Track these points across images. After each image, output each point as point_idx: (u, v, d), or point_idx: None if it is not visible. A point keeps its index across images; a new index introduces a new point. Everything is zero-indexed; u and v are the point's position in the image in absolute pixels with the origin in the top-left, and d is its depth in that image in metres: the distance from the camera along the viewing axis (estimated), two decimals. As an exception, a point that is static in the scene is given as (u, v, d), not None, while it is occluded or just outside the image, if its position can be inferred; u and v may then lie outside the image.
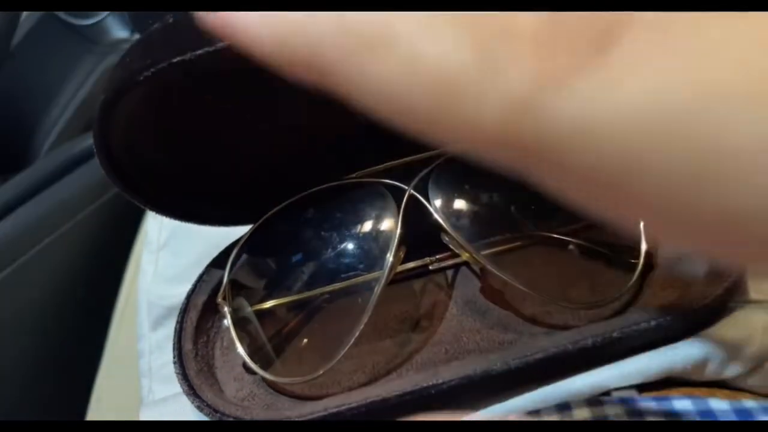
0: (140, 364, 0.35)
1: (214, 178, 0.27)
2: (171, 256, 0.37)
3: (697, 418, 0.17)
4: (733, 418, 0.16)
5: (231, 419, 0.22)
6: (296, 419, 0.21)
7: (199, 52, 0.20)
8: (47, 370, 0.45)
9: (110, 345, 0.40)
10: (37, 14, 0.64)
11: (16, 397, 0.43)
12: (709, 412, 0.17)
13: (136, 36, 0.67)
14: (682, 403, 0.17)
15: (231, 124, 0.25)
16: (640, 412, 0.17)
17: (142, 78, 0.20)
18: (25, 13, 0.60)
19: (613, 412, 0.18)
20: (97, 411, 0.38)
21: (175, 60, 0.20)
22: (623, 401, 0.18)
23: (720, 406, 0.17)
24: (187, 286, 0.27)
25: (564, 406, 0.19)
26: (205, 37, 0.20)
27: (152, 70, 0.20)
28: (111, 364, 0.39)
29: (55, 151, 0.48)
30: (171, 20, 0.21)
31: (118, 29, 0.67)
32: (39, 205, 0.42)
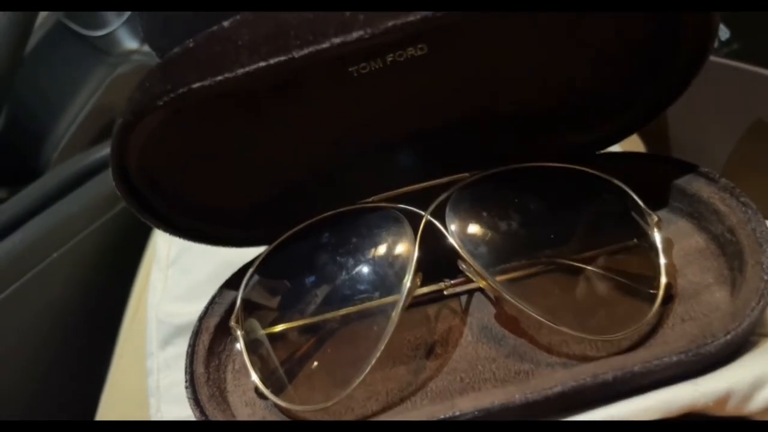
0: (148, 383, 0.34)
1: (228, 200, 0.27)
2: (180, 273, 0.37)
3: None
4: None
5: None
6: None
7: (219, 78, 0.20)
8: (54, 384, 0.44)
9: (117, 361, 0.40)
10: (47, 25, 0.64)
11: (23, 411, 0.42)
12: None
13: (146, 47, 0.67)
14: None
15: (247, 146, 0.25)
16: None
17: (162, 103, 0.20)
18: (36, 24, 0.60)
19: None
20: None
21: (195, 85, 0.20)
22: None
23: None
24: (196, 305, 0.27)
25: None
26: (224, 62, 0.20)
27: (172, 95, 0.20)
28: (117, 381, 0.39)
29: (64, 164, 0.48)
30: (191, 44, 0.21)
31: (128, 40, 0.67)
32: (48, 219, 0.42)
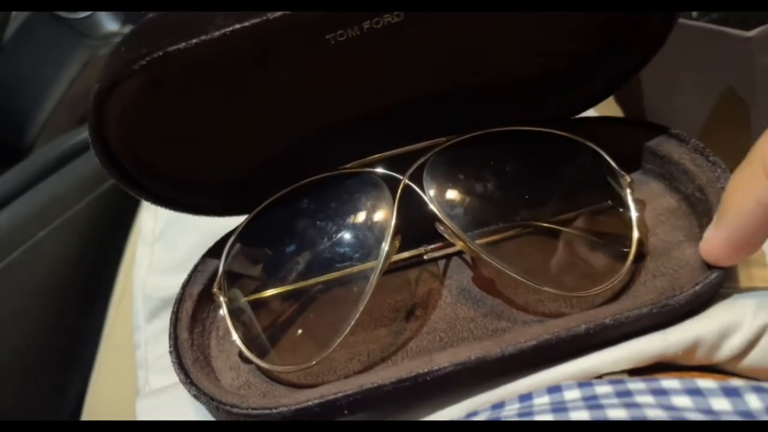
0: (136, 356, 0.35)
1: (209, 168, 0.27)
2: (166, 248, 0.38)
3: (684, 396, 0.17)
4: (720, 396, 0.17)
5: (228, 407, 0.22)
6: (293, 406, 0.21)
7: (195, 41, 0.20)
8: (43, 363, 0.45)
9: (106, 337, 0.40)
10: (28, 7, 0.64)
11: (12, 390, 0.43)
12: (697, 390, 0.17)
13: (128, 27, 0.66)
14: (670, 383, 0.18)
15: (226, 116, 0.25)
16: (629, 392, 0.18)
17: (137, 67, 0.20)
18: (16, 6, 0.59)
19: (602, 391, 0.18)
20: (94, 403, 0.38)
21: (170, 49, 0.20)
22: (613, 383, 0.19)
23: (707, 384, 0.17)
24: (182, 277, 0.27)
25: (555, 389, 0.20)
26: (200, 25, 0.20)
27: (147, 59, 0.20)
28: (107, 356, 0.39)
29: (48, 145, 0.48)
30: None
31: (109, 22, 0.67)
32: (32, 199, 0.42)
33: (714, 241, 0.21)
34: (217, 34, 0.20)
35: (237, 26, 0.20)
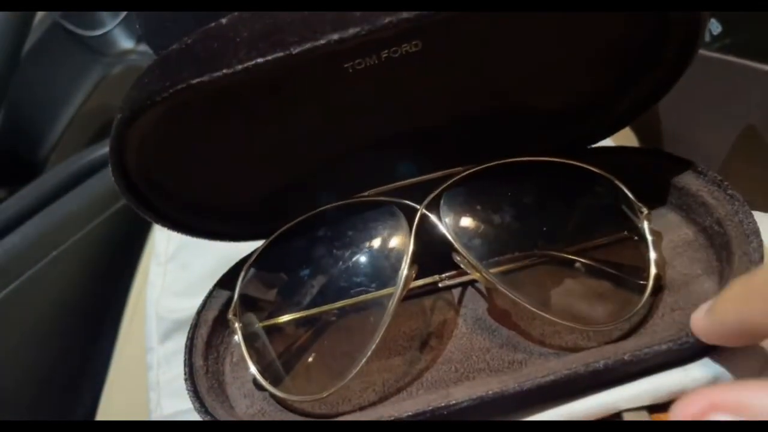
0: (148, 377, 0.35)
1: (226, 195, 0.27)
2: (179, 269, 0.38)
3: None
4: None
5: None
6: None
7: (217, 74, 0.20)
8: (54, 381, 0.45)
9: (117, 357, 0.40)
10: (44, 25, 0.65)
11: (23, 409, 0.43)
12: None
13: (142, 45, 0.67)
14: None
15: (244, 142, 0.25)
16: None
17: (159, 98, 0.20)
18: (33, 24, 0.60)
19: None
20: (103, 423, 0.38)
21: (193, 81, 0.20)
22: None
23: None
24: (195, 300, 0.27)
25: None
26: (222, 58, 0.20)
27: (170, 91, 0.20)
28: (118, 377, 0.39)
29: (63, 163, 0.48)
30: (189, 41, 0.21)
31: (124, 40, 0.68)
32: (47, 217, 0.42)
33: (701, 326, 0.20)
34: (239, 67, 0.20)
35: (260, 60, 0.20)
